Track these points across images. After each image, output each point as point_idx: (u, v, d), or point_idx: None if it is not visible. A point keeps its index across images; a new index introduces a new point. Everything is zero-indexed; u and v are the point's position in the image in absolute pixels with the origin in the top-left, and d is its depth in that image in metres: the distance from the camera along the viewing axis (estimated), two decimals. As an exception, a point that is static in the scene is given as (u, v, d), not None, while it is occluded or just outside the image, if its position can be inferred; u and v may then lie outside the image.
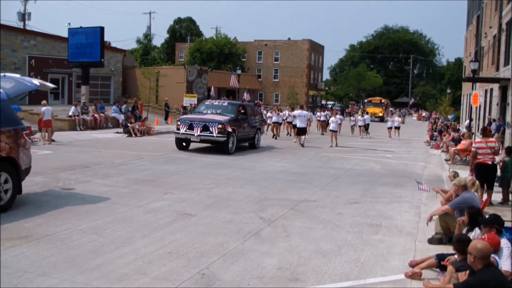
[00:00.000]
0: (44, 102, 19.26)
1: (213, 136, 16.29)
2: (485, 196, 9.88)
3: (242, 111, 18.32)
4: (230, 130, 16.53)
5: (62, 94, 37.20)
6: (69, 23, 63.11)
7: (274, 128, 25.47)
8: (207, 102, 19.47)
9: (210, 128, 16.29)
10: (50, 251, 6.01)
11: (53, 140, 17.94)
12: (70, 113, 24.08)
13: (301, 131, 21.21)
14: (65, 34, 30.36)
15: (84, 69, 27.17)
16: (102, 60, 26.64)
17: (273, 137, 24.94)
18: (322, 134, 29.53)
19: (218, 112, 17.59)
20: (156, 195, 9.53)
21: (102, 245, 6.35)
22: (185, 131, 16.57)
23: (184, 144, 17.27)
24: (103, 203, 8.66)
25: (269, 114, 27.59)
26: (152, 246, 6.41)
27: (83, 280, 5.18)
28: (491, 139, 10.71)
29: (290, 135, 26.15)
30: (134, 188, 10.13)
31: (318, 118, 31.63)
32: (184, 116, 19.17)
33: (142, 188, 10.12)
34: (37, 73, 34.42)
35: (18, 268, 5.41)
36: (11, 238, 6.40)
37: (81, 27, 27.21)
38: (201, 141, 16.75)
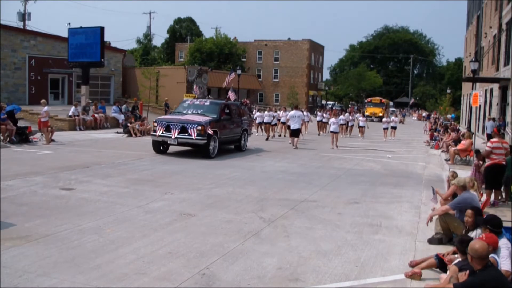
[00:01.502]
0: (43, 101, 19.23)
1: (192, 138, 14.98)
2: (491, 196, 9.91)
3: (226, 111, 17.05)
4: (210, 132, 15.21)
5: (62, 94, 37.18)
6: (69, 23, 63.21)
7: (267, 129, 24.47)
8: (188, 101, 17.75)
9: (189, 130, 15.00)
10: (50, 251, 6.01)
11: (53, 140, 17.93)
12: (70, 113, 24.09)
13: (295, 133, 20.43)
14: (65, 34, 30.34)
15: (84, 69, 27.15)
16: (102, 60, 26.61)
17: (266, 139, 23.74)
18: (319, 134, 29.19)
19: (199, 112, 16.25)
20: (156, 195, 9.53)
21: (102, 245, 6.35)
22: (162, 133, 15.34)
23: (162, 147, 16.08)
24: (103, 203, 8.66)
25: (258, 113, 26.69)
26: (152, 246, 6.41)
27: (83, 280, 5.18)
28: (504, 139, 10.70)
29: (285, 136, 25.61)
30: (134, 188, 10.13)
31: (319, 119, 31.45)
32: (161, 117, 18.07)
33: (142, 188, 10.12)
34: (37, 73, 34.51)
35: (18, 268, 5.41)
36: (11, 238, 6.40)
37: (81, 27, 27.17)
38: (179, 144, 15.47)
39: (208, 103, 16.98)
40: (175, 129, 15.17)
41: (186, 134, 15.07)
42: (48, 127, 18.14)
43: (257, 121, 25.84)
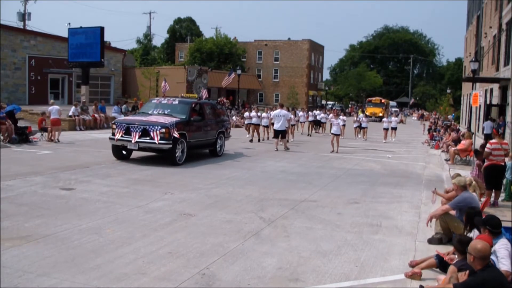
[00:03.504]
0: (52, 102, 19.38)
1: (155, 143, 13.12)
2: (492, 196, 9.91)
3: (199, 111, 15.36)
4: (176, 135, 13.31)
5: (62, 94, 37.24)
6: (69, 23, 63.05)
7: (254, 130, 22.92)
8: (155, 100, 15.80)
9: (151, 133, 13.12)
10: (50, 251, 6.01)
11: (51, 140, 17.93)
12: (70, 113, 24.10)
13: (280, 134, 18.72)
14: (65, 34, 30.42)
15: (84, 69, 27.19)
16: (102, 60, 26.65)
17: (251, 140, 22.11)
18: (309, 135, 28.43)
19: (166, 112, 14.36)
20: (156, 195, 9.53)
21: (102, 245, 6.35)
22: (121, 136, 13.44)
23: (124, 152, 14.17)
24: (103, 203, 8.66)
25: (247, 114, 25.53)
26: (152, 246, 6.41)
27: (83, 280, 5.18)
28: (504, 140, 10.70)
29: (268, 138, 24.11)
30: (134, 188, 10.13)
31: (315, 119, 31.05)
32: (121, 118, 16.62)
33: (142, 188, 10.12)
34: (37, 73, 34.52)
35: (18, 268, 5.41)
36: (11, 238, 6.40)
37: (81, 27, 27.22)
38: (140, 149, 13.57)
39: (176, 102, 15.02)
40: (136, 132, 13.29)
41: (148, 138, 13.22)
42: (55, 127, 18.14)
43: (246, 122, 24.88)
